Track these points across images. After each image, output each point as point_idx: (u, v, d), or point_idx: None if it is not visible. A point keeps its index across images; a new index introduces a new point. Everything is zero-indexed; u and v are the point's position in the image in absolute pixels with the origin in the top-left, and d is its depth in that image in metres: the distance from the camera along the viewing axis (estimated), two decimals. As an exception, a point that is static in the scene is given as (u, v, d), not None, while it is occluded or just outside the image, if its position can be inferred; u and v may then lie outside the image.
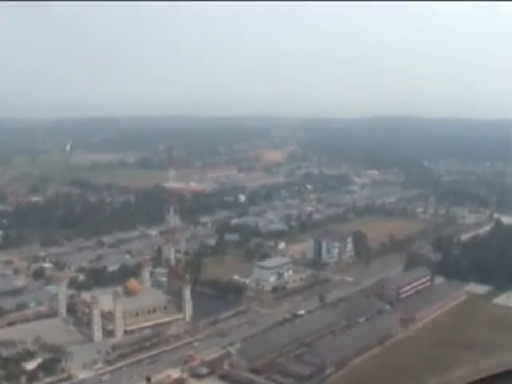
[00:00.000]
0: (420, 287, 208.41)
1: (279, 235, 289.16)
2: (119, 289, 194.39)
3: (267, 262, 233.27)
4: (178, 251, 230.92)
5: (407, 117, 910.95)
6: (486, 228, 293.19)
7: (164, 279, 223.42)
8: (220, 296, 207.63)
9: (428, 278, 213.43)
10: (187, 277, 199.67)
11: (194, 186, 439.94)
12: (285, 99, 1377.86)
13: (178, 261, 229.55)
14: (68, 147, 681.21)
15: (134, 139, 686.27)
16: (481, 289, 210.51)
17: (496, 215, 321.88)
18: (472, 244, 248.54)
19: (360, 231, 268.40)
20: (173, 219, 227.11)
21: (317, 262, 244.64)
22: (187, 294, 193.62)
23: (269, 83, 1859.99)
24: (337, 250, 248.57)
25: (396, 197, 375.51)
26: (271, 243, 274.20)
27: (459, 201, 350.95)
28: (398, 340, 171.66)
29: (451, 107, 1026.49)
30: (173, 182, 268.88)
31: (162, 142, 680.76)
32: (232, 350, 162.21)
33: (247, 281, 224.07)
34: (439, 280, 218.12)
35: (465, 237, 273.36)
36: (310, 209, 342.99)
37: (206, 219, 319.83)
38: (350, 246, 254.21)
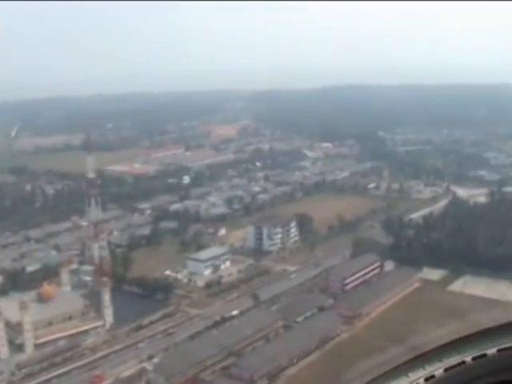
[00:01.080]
0: (368, 276, 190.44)
1: (221, 220, 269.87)
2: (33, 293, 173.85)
3: (202, 254, 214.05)
4: (102, 247, 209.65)
5: (366, 85, 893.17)
6: (442, 203, 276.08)
7: (89, 278, 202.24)
8: (148, 295, 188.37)
9: (377, 264, 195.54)
10: (106, 278, 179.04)
11: (137, 168, 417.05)
12: (239, 71, 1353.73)
13: (103, 257, 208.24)
14: (14, 131, 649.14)
15: (84, 119, 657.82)
16: (435, 274, 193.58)
17: (453, 187, 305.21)
18: (426, 223, 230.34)
19: (305, 213, 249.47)
20: (94, 211, 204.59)
21: (258, 251, 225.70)
22: (106, 297, 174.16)
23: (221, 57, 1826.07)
24: (279, 236, 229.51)
25: (349, 171, 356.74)
26: (211, 230, 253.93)
27: (415, 173, 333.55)
28: (339, 342, 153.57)
29: (407, 73, 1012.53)
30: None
31: (113, 121, 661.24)
32: (149, 365, 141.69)
33: (180, 276, 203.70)
34: (389, 266, 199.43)
35: (418, 214, 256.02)
36: (256, 189, 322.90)
37: (145, 205, 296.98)
38: (294, 231, 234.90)
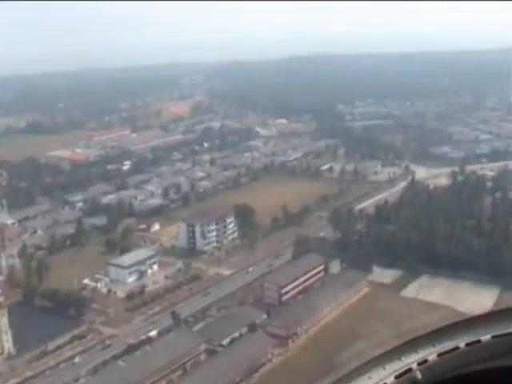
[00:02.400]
0: (310, 282, 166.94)
1: (156, 213, 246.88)
2: None
3: (125, 258, 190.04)
4: (11, 256, 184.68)
5: (337, 54, 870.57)
6: (399, 186, 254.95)
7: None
8: (60, 311, 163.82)
9: (321, 267, 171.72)
10: (2, 298, 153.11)
11: (78, 153, 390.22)
12: (200, 43, 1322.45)
13: (12, 265, 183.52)
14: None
15: (36, 99, 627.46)
16: (388, 275, 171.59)
17: (413, 167, 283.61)
18: (378, 214, 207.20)
19: (247, 205, 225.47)
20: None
21: (190, 251, 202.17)
22: (3, 320, 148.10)
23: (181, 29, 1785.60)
24: (214, 233, 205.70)
25: (303, 151, 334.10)
26: (143, 226, 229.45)
27: (372, 152, 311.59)
28: (270, 370, 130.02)
29: (382, 41, 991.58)
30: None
31: (65, 99, 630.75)
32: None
33: (99, 285, 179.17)
34: (336, 267, 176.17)
35: (371, 202, 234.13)
36: (200, 174, 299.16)
37: (77, 197, 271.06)
38: (232, 227, 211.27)
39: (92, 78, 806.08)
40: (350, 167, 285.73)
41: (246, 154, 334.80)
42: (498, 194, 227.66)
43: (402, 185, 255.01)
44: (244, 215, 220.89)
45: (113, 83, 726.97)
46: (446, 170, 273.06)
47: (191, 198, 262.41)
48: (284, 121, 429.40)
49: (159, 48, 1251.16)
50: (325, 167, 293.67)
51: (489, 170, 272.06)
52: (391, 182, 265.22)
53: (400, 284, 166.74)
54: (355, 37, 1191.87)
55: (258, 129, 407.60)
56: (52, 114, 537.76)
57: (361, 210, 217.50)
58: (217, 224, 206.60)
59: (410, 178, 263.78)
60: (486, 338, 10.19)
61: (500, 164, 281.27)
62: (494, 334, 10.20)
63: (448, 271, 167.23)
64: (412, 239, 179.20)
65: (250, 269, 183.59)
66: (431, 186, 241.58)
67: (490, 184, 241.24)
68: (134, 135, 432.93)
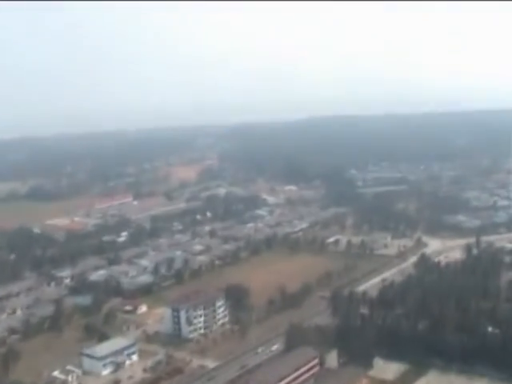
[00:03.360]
0: (301, 379, 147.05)
1: (146, 292, 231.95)
2: None
3: (101, 347, 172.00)
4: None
5: (347, 115, 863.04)
6: (410, 261, 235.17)
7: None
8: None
9: (315, 361, 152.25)
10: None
11: (77, 222, 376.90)
12: (213, 106, 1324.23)
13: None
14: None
15: (44, 162, 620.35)
16: (391, 370, 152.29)
17: (426, 238, 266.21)
18: (384, 296, 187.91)
19: (240, 285, 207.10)
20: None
21: (175, 338, 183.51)
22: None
23: (195, 90, 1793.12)
24: (202, 319, 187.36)
25: (309, 221, 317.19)
26: (129, 307, 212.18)
27: (383, 221, 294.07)
28: None
29: (389, 103, 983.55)
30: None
31: (74, 162, 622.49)
32: None
33: (70, 378, 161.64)
34: (333, 361, 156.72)
35: (378, 280, 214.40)
36: (198, 247, 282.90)
37: (65, 272, 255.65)
38: (222, 311, 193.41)
39: (106, 141, 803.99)
40: (357, 239, 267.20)
41: (249, 225, 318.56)
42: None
43: (413, 260, 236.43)
44: (237, 297, 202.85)
45: (125, 146, 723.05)
46: (461, 241, 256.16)
47: (185, 274, 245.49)
48: (293, 187, 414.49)
49: (175, 111, 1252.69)
50: (331, 239, 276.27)
51: (507, 241, 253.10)
52: (401, 256, 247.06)
53: (404, 381, 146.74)
54: (374, 97, 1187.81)
55: (265, 196, 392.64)
56: (57, 178, 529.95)
57: (364, 292, 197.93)
58: (205, 308, 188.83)
59: (421, 252, 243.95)
60: None
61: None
62: None
63: (460, 365, 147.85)
64: (419, 327, 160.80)
65: (237, 361, 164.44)
66: (443, 262, 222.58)
67: (508, 259, 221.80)
68: (136, 203, 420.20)
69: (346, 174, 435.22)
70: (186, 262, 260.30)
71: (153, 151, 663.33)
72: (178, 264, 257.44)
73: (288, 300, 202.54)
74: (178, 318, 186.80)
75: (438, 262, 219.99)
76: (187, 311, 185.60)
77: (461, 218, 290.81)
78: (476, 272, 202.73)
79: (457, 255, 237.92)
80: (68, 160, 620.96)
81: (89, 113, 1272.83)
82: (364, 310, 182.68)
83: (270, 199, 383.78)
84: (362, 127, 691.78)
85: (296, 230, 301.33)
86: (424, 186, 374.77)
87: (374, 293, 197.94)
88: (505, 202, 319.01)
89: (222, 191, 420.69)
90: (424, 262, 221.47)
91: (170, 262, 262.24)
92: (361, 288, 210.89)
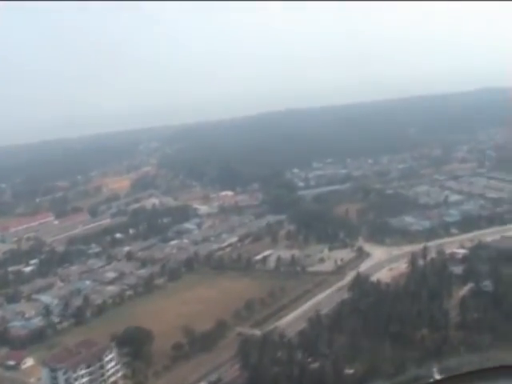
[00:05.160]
0: None
1: (39, 339, 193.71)
2: None
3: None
4: None
5: (299, 109, 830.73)
6: (348, 278, 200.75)
7: None
8: None
9: None
10: None
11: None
12: (167, 106, 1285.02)
13: None
14: None
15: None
16: None
17: (369, 246, 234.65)
18: (307, 335, 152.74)
19: (141, 328, 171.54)
20: None
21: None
22: None
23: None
24: (85, 380, 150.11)
25: (240, 233, 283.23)
26: (12, 361, 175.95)
27: (321, 229, 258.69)
28: None
29: (353, 92, 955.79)
30: None
31: (8, 178, 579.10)
32: None
33: None
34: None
35: (306, 309, 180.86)
36: (111, 275, 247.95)
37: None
38: (112, 367, 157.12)
39: (47, 151, 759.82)
40: (290, 254, 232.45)
41: (173, 242, 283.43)
42: (469, 286, 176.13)
43: (351, 276, 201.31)
44: (138, 342, 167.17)
45: (60, 156, 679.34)
46: (409, 248, 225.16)
47: (87, 312, 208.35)
48: (229, 193, 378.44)
49: (120, 114, 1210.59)
50: (261, 256, 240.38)
51: (458, 244, 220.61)
52: (338, 272, 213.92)
53: None
54: (326, 89, 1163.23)
55: (197, 205, 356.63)
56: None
57: (283, 332, 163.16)
58: (89, 366, 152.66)
59: (361, 266, 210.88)
60: None
61: (473, 235, 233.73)
62: None
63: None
64: (346, 377, 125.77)
65: None
66: (385, 280, 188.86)
67: (459, 269, 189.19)
68: (57, 222, 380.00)
69: (287, 173, 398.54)
70: (90, 295, 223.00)
71: (89, 161, 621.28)
72: (80, 299, 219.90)
73: (199, 342, 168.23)
74: (56, 380, 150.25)
75: (378, 282, 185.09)
76: (66, 372, 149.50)
77: (408, 219, 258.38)
78: (421, 292, 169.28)
79: (402, 267, 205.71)
80: (2, 175, 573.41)
81: (36, 122, 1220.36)
82: (282, 354, 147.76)
83: (203, 208, 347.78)
84: (311, 121, 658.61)
85: (224, 245, 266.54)
86: (370, 183, 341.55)
87: (298, 327, 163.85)
88: (457, 197, 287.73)
89: (153, 202, 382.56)
90: (360, 283, 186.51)
91: (75, 295, 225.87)
92: (284, 321, 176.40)
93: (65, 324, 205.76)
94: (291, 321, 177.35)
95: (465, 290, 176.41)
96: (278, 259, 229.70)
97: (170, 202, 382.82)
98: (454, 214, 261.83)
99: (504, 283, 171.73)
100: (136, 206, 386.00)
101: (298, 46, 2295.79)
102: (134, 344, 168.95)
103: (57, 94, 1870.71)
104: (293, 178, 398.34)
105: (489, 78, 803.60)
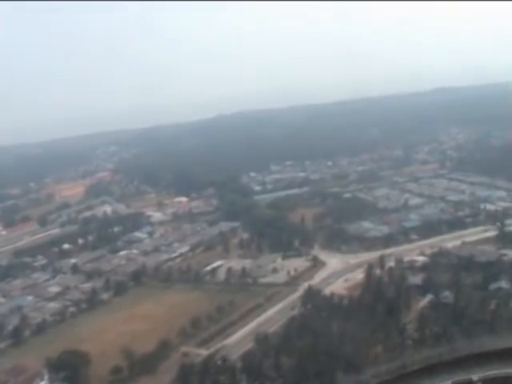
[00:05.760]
0: None
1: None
2: None
3: None
4: None
5: (256, 110, 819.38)
6: (300, 292, 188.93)
7: None
8: None
9: None
10: None
11: None
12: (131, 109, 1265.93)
13: None
14: None
15: None
16: None
17: (324, 255, 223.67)
18: (250, 360, 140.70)
19: (78, 351, 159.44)
20: None
21: None
22: None
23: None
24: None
25: (191, 242, 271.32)
26: None
27: (275, 237, 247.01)
28: None
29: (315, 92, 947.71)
30: None
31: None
32: None
33: None
34: None
35: (254, 326, 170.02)
36: (54, 289, 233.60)
37: None
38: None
39: (0, 157, 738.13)
40: (242, 265, 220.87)
41: (122, 253, 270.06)
42: (428, 298, 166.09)
43: (304, 288, 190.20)
44: (74, 366, 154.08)
45: (16, 162, 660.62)
46: (366, 256, 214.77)
47: (26, 332, 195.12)
48: (183, 198, 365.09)
49: (82, 118, 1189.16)
50: (211, 267, 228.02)
51: (418, 251, 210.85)
52: (291, 284, 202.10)
53: None
54: (287, 89, 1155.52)
55: (150, 212, 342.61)
56: None
57: (226, 355, 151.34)
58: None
59: (315, 276, 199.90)
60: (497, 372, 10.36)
61: (433, 241, 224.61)
62: (454, 380, 11.58)
63: None
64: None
65: None
66: (339, 292, 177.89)
67: (417, 279, 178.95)
68: (4, 232, 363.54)
69: (244, 177, 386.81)
70: (30, 313, 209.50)
71: (45, 167, 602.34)
72: (18, 317, 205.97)
73: (139, 364, 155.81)
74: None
75: (331, 295, 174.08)
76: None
77: (366, 225, 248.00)
78: (377, 306, 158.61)
79: (359, 277, 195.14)
80: None
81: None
82: (225, 378, 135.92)
83: (156, 216, 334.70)
84: (275, 122, 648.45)
85: (174, 255, 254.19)
86: (328, 187, 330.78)
87: (245, 347, 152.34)
88: (417, 200, 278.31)
89: (105, 210, 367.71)
90: (312, 297, 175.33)
91: (15, 313, 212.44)
92: (231, 340, 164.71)
93: (2, 345, 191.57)
94: (239, 339, 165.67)
95: (424, 302, 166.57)
96: (229, 271, 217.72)
97: (122, 209, 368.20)
98: (413, 219, 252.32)
99: (464, 294, 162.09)
100: (87, 214, 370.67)
101: (262, 44, 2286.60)
102: (69, 368, 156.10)
103: (15, 97, 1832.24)
104: (250, 181, 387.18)
105: (443, 77, 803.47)
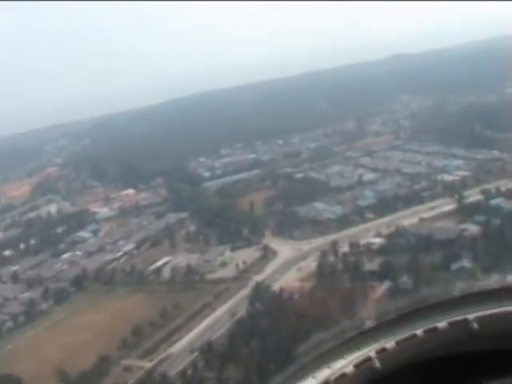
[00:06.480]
0: None
1: None
2: None
3: None
4: None
5: (206, 92, 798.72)
6: (250, 287, 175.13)
7: None
8: None
9: None
10: None
11: None
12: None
13: None
14: None
15: None
16: None
17: (276, 242, 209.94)
18: (191, 374, 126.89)
19: (10, 376, 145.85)
20: None
21: None
22: None
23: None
24: None
25: (138, 238, 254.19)
26: None
27: (224, 227, 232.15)
28: None
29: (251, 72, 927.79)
30: None
31: None
32: None
33: None
34: None
35: (199, 332, 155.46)
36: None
37: None
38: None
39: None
40: (188, 260, 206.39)
41: (65, 256, 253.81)
42: (386, 285, 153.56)
43: (255, 282, 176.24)
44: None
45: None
46: (319, 241, 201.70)
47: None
48: (131, 191, 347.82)
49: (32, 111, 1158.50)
50: (156, 265, 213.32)
51: (374, 232, 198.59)
52: (241, 278, 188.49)
53: None
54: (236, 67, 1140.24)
55: (96, 208, 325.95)
56: None
57: (175, 358, 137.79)
58: None
59: (266, 267, 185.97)
60: (442, 324, 10.13)
61: (389, 219, 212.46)
62: (449, 320, 10.13)
63: None
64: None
65: None
66: (292, 284, 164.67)
67: (374, 264, 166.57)
68: None
69: (193, 163, 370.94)
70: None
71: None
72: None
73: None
74: None
75: (281, 291, 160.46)
76: None
77: (319, 206, 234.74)
78: (332, 298, 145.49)
79: (312, 266, 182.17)
80: None
81: None
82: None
83: (102, 212, 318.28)
84: (226, 102, 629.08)
85: (119, 255, 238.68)
86: (279, 168, 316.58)
87: (190, 356, 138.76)
88: (371, 175, 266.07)
89: (47, 210, 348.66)
90: (261, 294, 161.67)
91: None
92: (176, 348, 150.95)
93: None
94: (184, 347, 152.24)
95: (382, 289, 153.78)
96: (174, 268, 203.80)
97: (67, 207, 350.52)
98: (368, 196, 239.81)
99: (424, 277, 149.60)
100: (32, 215, 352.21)
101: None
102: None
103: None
104: (199, 167, 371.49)
105: (398, 44, 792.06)
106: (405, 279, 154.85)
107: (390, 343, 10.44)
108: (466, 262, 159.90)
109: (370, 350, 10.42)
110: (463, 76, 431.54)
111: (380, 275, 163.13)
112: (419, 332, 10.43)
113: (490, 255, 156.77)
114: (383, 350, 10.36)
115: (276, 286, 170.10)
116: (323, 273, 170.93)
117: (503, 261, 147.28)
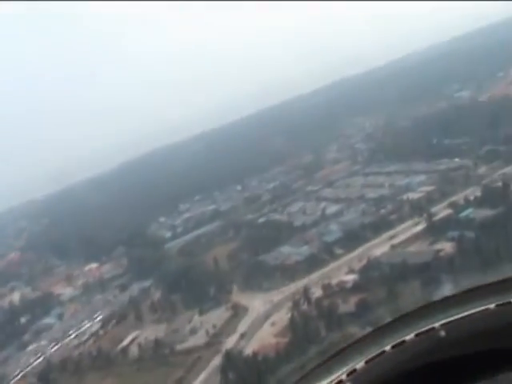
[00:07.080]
0: None
1: None
2: None
3: None
4: None
5: (166, 146, 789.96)
6: (221, 355, 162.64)
7: None
8: None
9: None
10: None
11: None
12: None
13: None
14: None
15: None
16: None
17: (245, 298, 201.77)
18: None
19: None
20: None
21: None
22: None
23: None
24: None
25: (103, 315, 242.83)
26: None
27: (189, 291, 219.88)
28: None
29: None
30: None
31: None
32: None
33: None
34: None
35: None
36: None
37: None
38: None
39: None
40: (156, 333, 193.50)
41: (30, 348, 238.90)
42: (364, 326, 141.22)
43: (229, 344, 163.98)
44: None
45: None
46: (291, 288, 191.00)
47: None
48: (94, 265, 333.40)
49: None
50: (122, 344, 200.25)
51: (347, 269, 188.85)
52: (212, 344, 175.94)
53: None
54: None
55: (60, 290, 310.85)
56: None
57: None
58: None
59: (238, 327, 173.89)
60: (410, 337, 8.77)
61: (360, 251, 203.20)
62: (417, 332, 8.68)
63: None
64: None
65: None
66: (266, 342, 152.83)
67: (351, 306, 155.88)
68: None
69: (153, 225, 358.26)
70: None
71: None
72: None
73: None
74: None
75: (254, 354, 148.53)
76: None
77: (285, 249, 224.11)
78: (308, 352, 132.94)
79: (285, 318, 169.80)
80: None
81: None
82: None
83: (67, 292, 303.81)
84: (179, 156, 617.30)
85: (84, 338, 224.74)
86: (240, 215, 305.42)
87: None
88: (334, 208, 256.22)
89: (11, 299, 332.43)
90: (233, 363, 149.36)
91: None
92: None
93: None
94: None
95: (359, 334, 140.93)
96: (141, 344, 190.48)
97: (30, 293, 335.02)
98: (334, 231, 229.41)
99: (403, 312, 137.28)
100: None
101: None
102: None
103: None
104: (159, 229, 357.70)
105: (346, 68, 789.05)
106: (385, 316, 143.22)
107: (359, 363, 8.42)
108: (446, 287, 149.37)
109: (341, 373, 8.33)
110: (410, 88, 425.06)
111: (357, 316, 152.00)
112: (387, 348, 8.48)
113: (470, 273, 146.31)
114: (353, 370, 8.40)
115: (249, 349, 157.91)
116: (297, 325, 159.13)
117: (484, 275, 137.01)
